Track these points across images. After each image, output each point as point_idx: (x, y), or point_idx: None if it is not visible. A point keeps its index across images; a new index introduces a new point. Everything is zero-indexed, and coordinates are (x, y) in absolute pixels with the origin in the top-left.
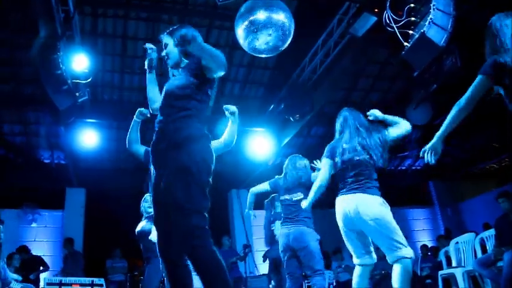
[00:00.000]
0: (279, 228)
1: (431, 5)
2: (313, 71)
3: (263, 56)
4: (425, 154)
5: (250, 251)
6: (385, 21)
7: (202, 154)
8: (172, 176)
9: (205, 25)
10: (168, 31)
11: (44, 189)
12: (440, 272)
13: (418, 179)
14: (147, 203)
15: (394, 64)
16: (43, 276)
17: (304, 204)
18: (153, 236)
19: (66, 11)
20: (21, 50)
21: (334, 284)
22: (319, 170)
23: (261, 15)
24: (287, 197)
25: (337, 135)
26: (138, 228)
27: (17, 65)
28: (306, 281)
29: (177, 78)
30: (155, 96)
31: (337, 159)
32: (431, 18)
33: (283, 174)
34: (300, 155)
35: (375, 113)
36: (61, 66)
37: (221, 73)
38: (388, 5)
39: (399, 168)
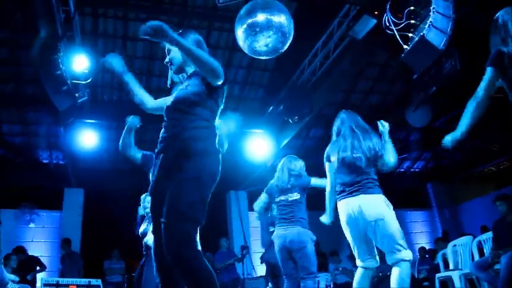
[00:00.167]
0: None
1: (431, 8)
2: (313, 73)
3: (263, 58)
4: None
5: (248, 252)
6: (385, 24)
7: (213, 169)
8: (179, 184)
9: (205, 27)
10: None
11: (42, 190)
12: (437, 275)
13: (416, 181)
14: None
15: (393, 67)
16: (40, 276)
17: (324, 219)
18: (150, 239)
19: (67, 11)
20: (22, 50)
21: (332, 286)
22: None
23: (260, 17)
24: (282, 197)
25: (333, 137)
26: (141, 229)
27: (17, 65)
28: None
29: (190, 85)
30: (144, 97)
31: (333, 158)
32: (431, 21)
33: (276, 176)
34: (296, 156)
35: (385, 126)
36: (61, 66)
37: (218, 82)
38: (388, 7)
39: (398, 170)
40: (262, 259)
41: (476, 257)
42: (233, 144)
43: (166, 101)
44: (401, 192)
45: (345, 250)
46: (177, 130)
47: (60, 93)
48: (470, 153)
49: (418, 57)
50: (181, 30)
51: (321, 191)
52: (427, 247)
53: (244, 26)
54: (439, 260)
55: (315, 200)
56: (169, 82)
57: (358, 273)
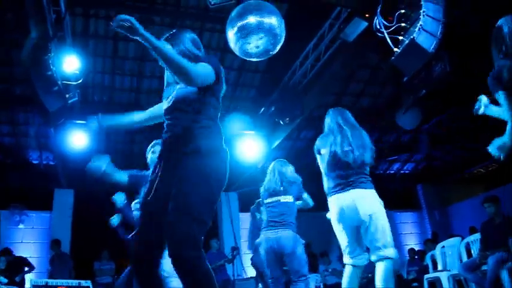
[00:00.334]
0: None
1: (422, 11)
2: (304, 74)
3: (254, 60)
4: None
5: (238, 253)
6: (376, 27)
7: (220, 168)
8: (185, 184)
9: (197, 27)
10: (165, 37)
11: (32, 190)
12: (426, 276)
13: (406, 182)
14: None
15: (384, 69)
16: (29, 278)
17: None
18: None
19: (58, 11)
20: (12, 49)
21: (322, 287)
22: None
23: (252, 19)
24: (274, 199)
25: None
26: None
27: (7, 65)
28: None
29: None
30: (140, 117)
31: (324, 151)
32: (421, 25)
33: (267, 179)
34: (286, 160)
35: None
36: (52, 67)
37: (191, 85)
38: (379, 10)
39: (388, 172)
40: (252, 261)
41: (465, 258)
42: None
43: (163, 105)
44: (392, 193)
45: (334, 251)
46: (179, 129)
47: (51, 93)
48: (460, 156)
49: (408, 60)
50: (175, 29)
51: (316, 191)
52: (417, 248)
53: (236, 28)
54: (428, 261)
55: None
56: (165, 83)
57: (347, 272)
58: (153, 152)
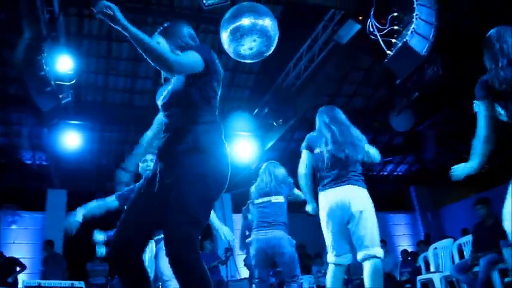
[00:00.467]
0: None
1: (414, 14)
2: (298, 76)
3: (248, 61)
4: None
5: (231, 254)
6: (369, 29)
7: (220, 166)
8: (183, 183)
9: (192, 28)
10: (159, 30)
11: (25, 191)
12: (418, 277)
13: (399, 184)
14: None
15: (377, 71)
16: (21, 279)
17: (309, 207)
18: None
19: (51, 11)
20: (5, 49)
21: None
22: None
23: (245, 21)
24: (265, 199)
25: (314, 132)
26: None
27: (0, 65)
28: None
29: (181, 76)
30: (151, 138)
31: (317, 150)
32: (413, 28)
33: (259, 179)
34: (278, 163)
35: None
36: (45, 67)
37: (171, 74)
38: (372, 13)
39: (381, 173)
40: (246, 262)
41: (457, 260)
42: None
43: (159, 102)
44: (385, 195)
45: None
46: (175, 126)
47: (44, 94)
48: (453, 157)
49: (401, 63)
50: (170, 21)
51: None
52: (410, 250)
53: (229, 29)
54: (420, 262)
55: (295, 202)
56: (162, 79)
57: (331, 271)
58: (144, 161)
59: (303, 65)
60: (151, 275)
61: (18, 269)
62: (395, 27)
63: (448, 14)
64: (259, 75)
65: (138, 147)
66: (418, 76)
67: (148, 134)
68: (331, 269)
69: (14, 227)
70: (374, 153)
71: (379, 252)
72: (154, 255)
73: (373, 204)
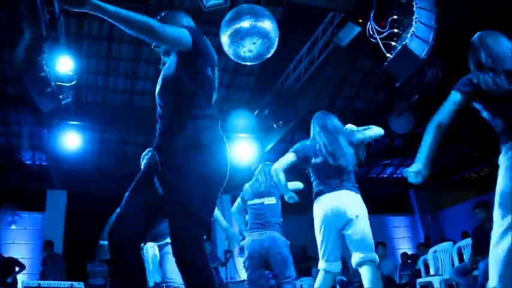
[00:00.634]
0: None
1: (414, 17)
2: (298, 78)
3: (248, 63)
4: (411, 176)
5: (231, 256)
6: (369, 32)
7: (219, 162)
8: (183, 181)
9: None
10: (157, 18)
11: (24, 191)
12: (418, 280)
13: (399, 187)
14: None
15: (377, 74)
16: (21, 279)
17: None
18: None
19: (52, 12)
20: (5, 49)
21: None
22: None
23: (246, 23)
24: (257, 201)
25: (308, 141)
26: None
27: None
28: None
29: (171, 62)
30: None
31: (314, 160)
32: (413, 31)
33: (254, 179)
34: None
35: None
36: (45, 68)
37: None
38: (372, 16)
39: (381, 176)
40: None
41: (456, 263)
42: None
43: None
44: (384, 197)
45: None
46: (169, 113)
47: (44, 95)
48: (452, 160)
49: (401, 66)
50: (166, 11)
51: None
52: (409, 252)
53: (229, 31)
54: (420, 265)
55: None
56: (161, 65)
57: (320, 278)
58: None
59: (303, 67)
60: (158, 280)
61: (17, 269)
62: (395, 30)
63: (448, 17)
64: (259, 77)
65: None
66: (417, 79)
67: None
68: (320, 275)
69: (13, 227)
70: (375, 131)
71: (375, 256)
72: (159, 261)
73: (367, 211)
